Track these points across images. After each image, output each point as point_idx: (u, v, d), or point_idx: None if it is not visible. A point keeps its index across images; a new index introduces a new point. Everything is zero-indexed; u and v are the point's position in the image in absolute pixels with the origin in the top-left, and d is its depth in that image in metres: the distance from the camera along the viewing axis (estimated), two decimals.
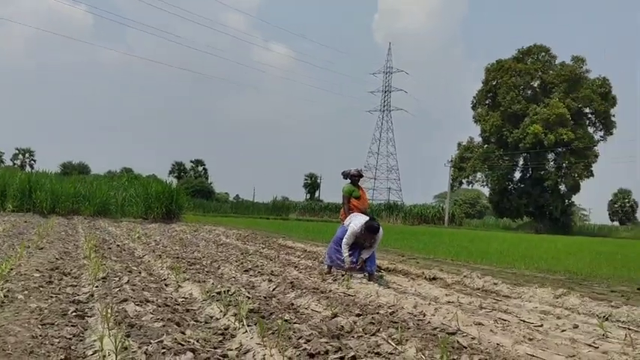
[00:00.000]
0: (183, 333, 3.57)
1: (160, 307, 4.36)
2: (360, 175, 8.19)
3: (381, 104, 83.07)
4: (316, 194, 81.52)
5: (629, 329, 4.52)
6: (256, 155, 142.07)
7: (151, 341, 3.26)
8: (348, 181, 8.14)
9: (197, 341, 3.46)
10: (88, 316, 4.02)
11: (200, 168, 74.31)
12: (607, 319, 5.02)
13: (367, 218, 7.08)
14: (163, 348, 3.14)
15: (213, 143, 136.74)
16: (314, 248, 11.24)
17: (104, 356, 2.99)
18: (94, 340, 3.26)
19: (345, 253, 6.88)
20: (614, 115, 51.64)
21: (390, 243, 13.81)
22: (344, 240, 6.90)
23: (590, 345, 3.78)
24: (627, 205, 75.33)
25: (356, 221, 6.97)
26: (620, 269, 9.92)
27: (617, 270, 9.72)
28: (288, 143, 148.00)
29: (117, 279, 5.59)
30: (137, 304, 4.32)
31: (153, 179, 30.17)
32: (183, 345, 3.27)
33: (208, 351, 3.27)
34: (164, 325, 3.70)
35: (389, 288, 6.27)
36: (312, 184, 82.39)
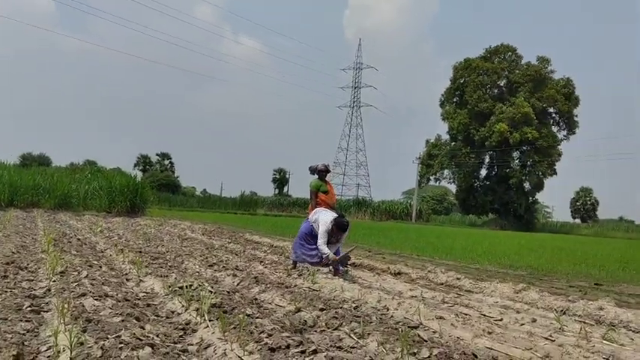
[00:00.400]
0: (142, 328, 3.51)
1: (119, 301, 4.28)
2: (327, 170, 8.15)
3: (351, 100, 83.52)
4: (285, 189, 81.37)
5: (585, 323, 4.64)
6: (224, 149, 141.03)
7: (109, 336, 3.19)
8: (316, 176, 8.11)
9: (157, 336, 3.40)
10: (43, 311, 3.91)
11: (166, 161, 73.20)
12: (564, 313, 5.14)
13: (334, 214, 7.08)
14: (121, 343, 3.07)
15: (180, 136, 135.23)
16: (281, 243, 11.20)
17: (58, 352, 2.90)
18: (49, 336, 3.17)
19: (324, 250, 6.83)
20: (577, 115, 53.16)
21: (358, 239, 13.88)
22: (319, 240, 6.84)
23: (546, 338, 3.87)
24: (589, 203, 77.69)
25: (324, 218, 6.95)
26: (579, 265, 10.19)
27: (576, 266, 9.99)
28: (257, 138, 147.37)
29: (76, 273, 5.45)
30: (96, 299, 4.22)
31: (117, 172, 29.60)
32: (141, 340, 3.21)
33: (168, 346, 3.22)
34: (123, 320, 3.63)
35: (354, 283, 6.29)
36: (280, 180, 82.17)
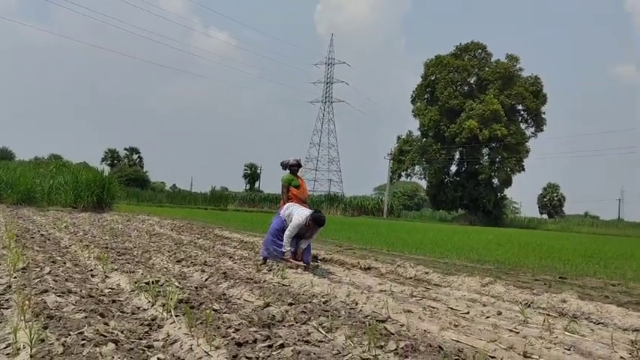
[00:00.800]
0: (106, 324, 3.44)
1: (83, 298, 4.19)
2: (299, 165, 8.15)
3: (323, 95, 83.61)
4: (256, 185, 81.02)
5: (548, 315, 4.75)
6: (195, 144, 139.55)
7: (71, 333, 3.12)
8: (288, 171, 8.09)
9: (121, 332, 3.34)
10: (3, 308, 3.81)
11: (135, 156, 72.01)
12: (529, 306, 5.24)
13: (308, 210, 7.07)
14: (83, 339, 3.00)
15: (149, 131, 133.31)
16: (251, 239, 11.14)
17: (18, 349, 2.82)
18: (8, 333, 3.08)
19: (287, 245, 6.85)
20: (544, 113, 54.26)
21: (329, 234, 13.90)
22: (287, 232, 6.83)
23: (511, 330, 3.94)
24: (555, 198, 79.65)
25: (300, 212, 6.92)
26: (545, 259, 10.42)
27: (542, 260, 10.21)
28: (228, 133, 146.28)
29: (38, 269, 5.31)
30: (58, 295, 4.12)
31: (83, 167, 28.94)
32: (105, 336, 3.15)
33: (133, 342, 3.16)
34: (86, 317, 3.55)
35: (324, 278, 6.29)
36: (252, 175, 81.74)
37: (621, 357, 3.38)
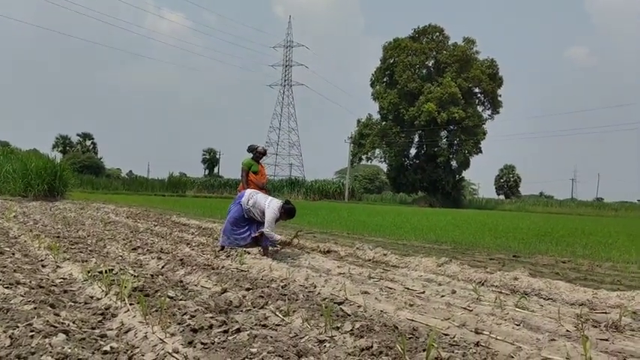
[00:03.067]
0: (57, 315, 3.36)
1: (33, 289, 4.06)
2: (264, 154, 8.40)
3: (282, 78, 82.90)
4: (215, 170, 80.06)
5: (501, 292, 4.90)
6: (151, 129, 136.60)
7: (19, 325, 3.02)
8: (251, 155, 8.19)
9: (73, 322, 3.27)
10: None
11: (88, 142, 69.88)
12: (482, 285, 5.40)
13: (276, 200, 7.04)
14: (32, 331, 2.92)
15: (103, 116, 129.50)
16: (210, 225, 11.03)
17: None
18: None
19: (276, 236, 6.89)
20: (500, 95, 55.36)
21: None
22: (267, 229, 6.74)
23: (464, 308, 4.05)
24: (512, 179, 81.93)
25: (272, 205, 6.85)
26: (500, 239, 10.72)
27: (497, 239, 10.50)
28: (185, 117, 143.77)
29: None
30: (6, 287, 3.98)
31: (33, 154, 27.86)
32: (55, 327, 3.07)
33: (85, 332, 3.10)
34: (36, 308, 3.44)
35: (283, 262, 6.29)
36: (210, 160, 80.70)
37: (567, 330, 3.52)
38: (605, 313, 4.13)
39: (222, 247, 7.16)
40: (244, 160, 8.14)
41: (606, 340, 3.34)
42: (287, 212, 6.91)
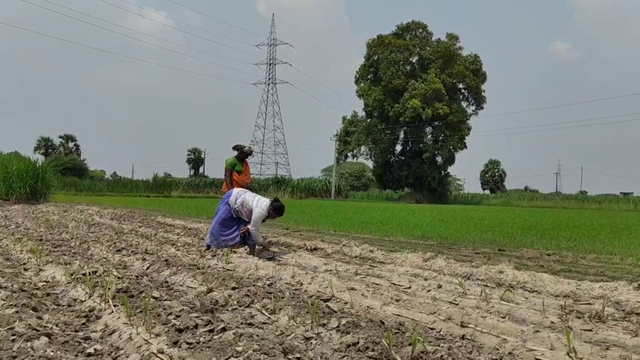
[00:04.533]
0: (40, 318, 3.31)
1: (14, 292, 3.99)
2: (250, 154, 8.29)
3: (266, 77, 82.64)
4: (201, 170, 79.62)
5: (486, 286, 4.93)
6: (135, 130, 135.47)
7: (0, 329, 2.96)
8: (235, 154, 8.09)
9: (56, 325, 3.23)
10: None
11: (71, 144, 69.09)
12: (468, 278, 5.43)
13: (264, 199, 7.01)
14: (14, 335, 2.88)
15: (86, 118, 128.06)
16: (195, 225, 10.96)
17: None
18: None
19: (260, 239, 6.89)
20: (484, 91, 55.77)
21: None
22: (252, 228, 6.71)
23: (450, 302, 4.06)
24: (497, 174, 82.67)
25: (260, 204, 6.82)
26: (486, 233, 10.80)
27: (483, 234, 10.56)
28: (169, 117, 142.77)
29: None
30: None
31: (14, 156, 27.40)
32: (38, 330, 3.03)
33: (68, 335, 3.06)
34: (17, 312, 3.39)
35: (269, 260, 6.27)
36: (196, 160, 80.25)
37: (552, 322, 3.56)
38: (589, 304, 4.18)
39: (209, 247, 7.12)
40: (228, 160, 8.04)
41: (590, 330, 3.38)
42: (276, 210, 6.90)
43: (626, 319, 3.73)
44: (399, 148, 58.58)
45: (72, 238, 7.93)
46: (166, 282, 4.75)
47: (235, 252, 6.69)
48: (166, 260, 5.90)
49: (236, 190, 7.27)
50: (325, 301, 4.05)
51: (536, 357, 2.80)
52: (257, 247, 7.06)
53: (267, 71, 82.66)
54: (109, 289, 3.80)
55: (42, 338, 2.87)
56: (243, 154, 8.11)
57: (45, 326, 3.16)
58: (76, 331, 3.19)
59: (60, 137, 68.91)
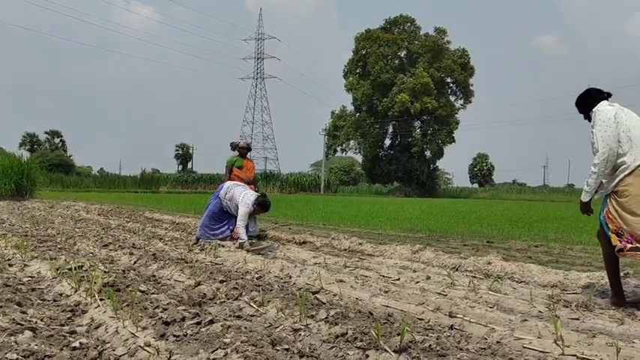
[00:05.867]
0: (24, 313, 3.27)
1: None
2: (247, 148, 8.39)
3: (254, 71, 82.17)
4: (189, 165, 79.20)
5: (474, 277, 4.95)
6: (122, 125, 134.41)
7: None
8: (236, 152, 8.28)
9: (41, 320, 3.20)
10: None
11: (57, 140, 68.47)
12: (457, 270, 5.45)
13: (252, 193, 6.95)
14: None
15: (71, 113, 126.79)
16: (183, 220, 10.90)
17: None
18: None
19: (243, 235, 6.64)
20: (472, 85, 55.94)
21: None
22: (239, 222, 6.64)
23: (439, 293, 4.07)
24: (485, 168, 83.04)
25: (245, 199, 6.76)
26: (474, 225, 10.85)
27: (471, 226, 10.61)
28: (156, 113, 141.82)
29: None
30: None
31: None
32: (22, 325, 2.99)
33: (53, 329, 3.03)
34: (1, 307, 3.35)
35: (258, 254, 6.24)
36: (184, 155, 79.83)
37: (539, 311, 3.58)
38: (576, 293, 4.21)
39: (197, 240, 7.08)
40: (228, 158, 8.24)
41: (577, 319, 3.40)
42: (260, 205, 6.83)
43: (612, 307, 3.75)
44: (387, 142, 58.71)
45: (58, 234, 7.84)
46: (154, 276, 4.71)
47: (224, 246, 6.65)
48: (154, 254, 5.86)
49: (227, 184, 7.24)
50: (314, 293, 4.04)
51: (524, 345, 2.81)
52: (251, 240, 6.99)
53: (255, 66, 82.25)
54: (95, 283, 3.76)
55: (26, 332, 2.83)
56: (241, 150, 8.27)
57: (29, 320, 3.13)
58: (62, 325, 3.15)
59: (46, 133, 68.35)
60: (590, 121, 3.98)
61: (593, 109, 3.95)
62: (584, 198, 4.02)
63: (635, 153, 3.69)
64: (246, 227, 6.81)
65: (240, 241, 6.64)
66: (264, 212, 7.13)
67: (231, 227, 7.01)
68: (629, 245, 3.59)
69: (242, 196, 6.84)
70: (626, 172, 3.69)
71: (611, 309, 3.68)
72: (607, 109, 3.88)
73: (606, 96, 4.04)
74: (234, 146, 8.30)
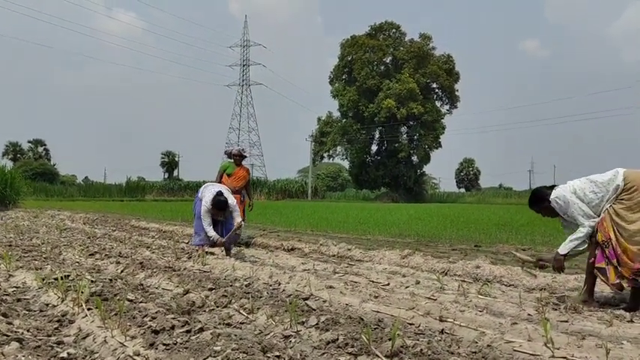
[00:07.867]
0: (10, 324, 3.21)
1: None
2: (239, 155, 8.31)
3: (240, 78, 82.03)
4: (175, 173, 78.68)
5: (463, 281, 4.97)
6: (106, 134, 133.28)
7: None
8: (232, 160, 8.30)
9: (27, 330, 3.14)
10: None
11: (40, 148, 67.72)
12: (446, 274, 5.47)
13: (217, 190, 6.80)
14: None
15: (55, 121, 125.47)
16: (170, 227, 10.82)
17: None
18: None
19: (210, 232, 6.55)
20: (457, 90, 56.46)
21: (252, 218, 13.72)
22: (204, 221, 6.56)
23: (428, 298, 4.08)
24: (471, 172, 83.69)
25: (206, 199, 6.69)
26: (462, 230, 10.88)
27: (459, 231, 10.65)
28: (141, 121, 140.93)
29: None
30: None
31: None
32: (8, 336, 2.94)
33: (40, 339, 2.98)
34: None
35: (246, 261, 6.22)
36: (170, 163, 79.29)
37: (529, 314, 3.60)
38: (565, 296, 4.24)
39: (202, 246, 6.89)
40: (222, 163, 8.33)
41: (566, 321, 3.42)
42: (214, 205, 6.56)
43: (601, 309, 3.79)
44: (374, 148, 58.88)
45: (43, 244, 7.74)
46: (141, 285, 4.66)
47: (212, 254, 6.61)
48: (141, 263, 5.80)
49: (204, 185, 7.20)
50: (304, 299, 4.03)
51: (515, 348, 2.82)
52: (240, 245, 6.91)
53: (240, 73, 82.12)
54: (82, 292, 3.71)
55: (13, 343, 2.78)
56: (234, 158, 8.28)
57: (16, 331, 3.07)
58: (49, 335, 3.10)
59: (29, 142, 67.59)
60: (550, 213, 4.20)
61: (551, 198, 4.09)
62: (563, 251, 4.09)
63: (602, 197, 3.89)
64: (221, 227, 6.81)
65: (210, 237, 6.54)
66: (221, 212, 6.67)
67: (219, 228, 6.90)
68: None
69: (206, 197, 6.70)
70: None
71: (599, 310, 3.71)
72: (563, 191, 4.04)
73: (554, 186, 4.23)
74: (228, 154, 8.38)
